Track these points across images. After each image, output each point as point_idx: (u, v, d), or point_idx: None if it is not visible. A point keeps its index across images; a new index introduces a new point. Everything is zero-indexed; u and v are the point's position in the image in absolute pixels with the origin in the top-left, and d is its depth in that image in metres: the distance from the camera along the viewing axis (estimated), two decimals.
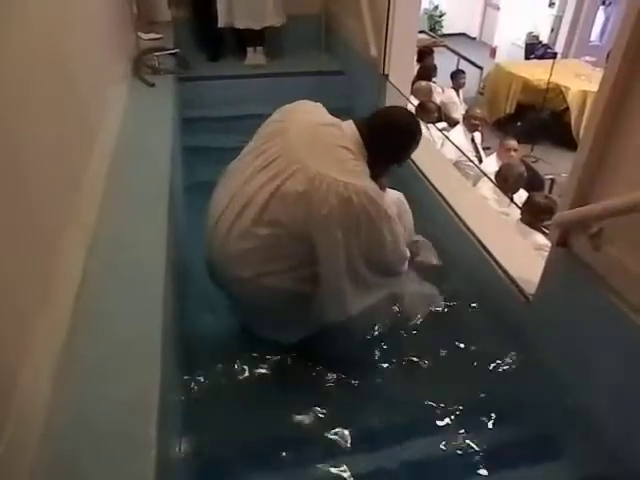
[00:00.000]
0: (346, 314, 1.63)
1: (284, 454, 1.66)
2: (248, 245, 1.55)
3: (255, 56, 4.18)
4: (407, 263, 1.81)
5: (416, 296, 2.16)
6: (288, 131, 1.54)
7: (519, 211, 3.06)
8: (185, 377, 1.73)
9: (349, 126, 1.58)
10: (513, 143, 3.97)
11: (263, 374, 1.91)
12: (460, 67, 6.48)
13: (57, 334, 1.17)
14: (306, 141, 1.51)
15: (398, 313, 2.11)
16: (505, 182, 3.38)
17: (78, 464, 0.98)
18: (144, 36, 3.50)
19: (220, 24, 3.96)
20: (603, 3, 8.46)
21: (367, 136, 1.56)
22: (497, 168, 3.72)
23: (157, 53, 3.24)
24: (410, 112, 1.68)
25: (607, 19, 8.51)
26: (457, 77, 5.73)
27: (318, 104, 1.68)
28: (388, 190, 2.07)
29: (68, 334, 1.20)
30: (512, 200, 3.20)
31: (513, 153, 3.92)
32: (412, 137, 1.65)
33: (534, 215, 2.91)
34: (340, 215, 1.44)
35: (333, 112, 1.83)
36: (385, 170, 1.70)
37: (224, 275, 1.67)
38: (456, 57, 6.84)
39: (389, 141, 1.61)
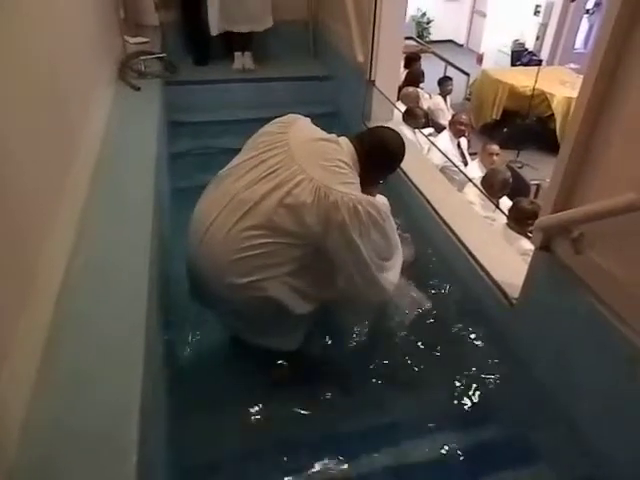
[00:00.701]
0: (387, 292, 1.79)
1: (269, 459, 1.66)
2: (249, 250, 1.54)
3: (243, 60, 4.18)
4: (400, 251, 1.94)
5: (404, 298, 2.18)
6: (289, 143, 1.59)
7: (505, 216, 3.09)
8: (169, 381, 1.72)
9: (345, 142, 1.68)
10: (495, 147, 4.02)
11: (249, 378, 1.91)
12: (447, 73, 6.54)
13: (37, 337, 1.16)
14: (307, 153, 1.58)
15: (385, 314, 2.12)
16: (491, 187, 3.41)
17: (58, 469, 0.97)
18: (131, 40, 3.49)
19: (213, 32, 3.96)
20: (587, 12, 8.61)
21: (362, 154, 1.68)
22: (480, 172, 3.76)
23: (143, 57, 3.23)
24: (400, 135, 1.83)
25: (591, 27, 8.65)
26: (444, 84, 5.77)
27: (308, 119, 1.76)
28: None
29: (48, 337, 1.19)
30: (497, 206, 3.23)
31: (495, 157, 3.96)
32: (401, 160, 1.84)
33: (520, 220, 2.94)
34: (352, 223, 1.53)
35: (320, 117, 1.86)
36: (373, 185, 1.83)
37: (213, 280, 1.63)
38: (443, 63, 6.90)
39: (383, 163, 1.79)
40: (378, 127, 1.87)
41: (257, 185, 1.55)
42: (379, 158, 1.74)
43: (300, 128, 1.67)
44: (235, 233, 1.54)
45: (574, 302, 1.56)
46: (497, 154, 4.00)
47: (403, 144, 1.82)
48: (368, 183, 1.73)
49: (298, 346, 1.84)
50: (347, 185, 1.57)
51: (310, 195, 1.51)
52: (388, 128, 1.84)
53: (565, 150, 1.49)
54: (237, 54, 4.17)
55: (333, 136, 1.70)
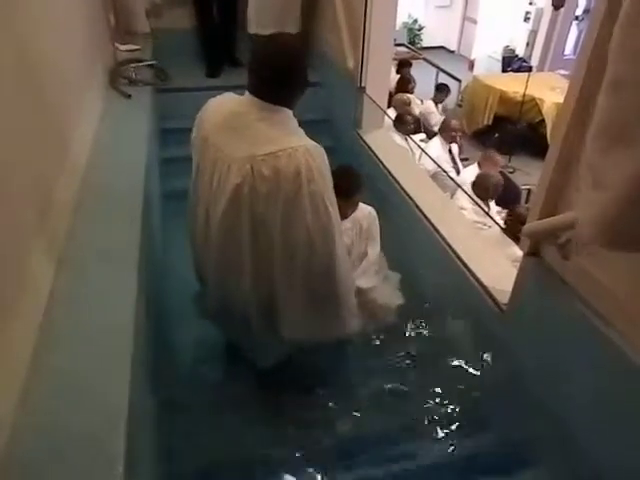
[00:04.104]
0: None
1: (259, 470, 1.65)
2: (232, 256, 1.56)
3: None
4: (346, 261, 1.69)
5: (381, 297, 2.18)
6: (207, 139, 1.52)
7: (500, 221, 3.10)
8: (160, 388, 1.71)
9: (247, 97, 1.48)
10: (500, 159, 4.06)
11: (243, 386, 1.90)
12: (439, 80, 6.60)
13: (24, 348, 1.15)
14: (225, 137, 1.48)
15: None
16: (485, 192, 3.43)
17: (44, 477, 0.96)
18: (121, 47, 3.48)
19: (251, 30, 3.98)
20: (576, 18, 8.70)
21: (268, 92, 1.43)
22: None
23: (134, 64, 3.22)
24: (280, 39, 1.52)
25: (580, 33, 8.73)
26: (442, 91, 5.83)
27: (221, 95, 1.60)
28: (360, 205, 2.12)
29: (36, 349, 1.17)
30: (487, 213, 3.24)
31: (497, 167, 4.00)
32: (299, 58, 1.50)
33: (516, 226, 2.94)
34: (274, 189, 1.40)
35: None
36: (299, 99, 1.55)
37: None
38: (435, 70, 6.95)
39: (288, 80, 1.46)
40: (256, 52, 1.51)
41: (212, 198, 1.51)
42: (281, 84, 1.44)
43: (210, 117, 1.56)
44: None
45: (562, 307, 1.56)
46: (501, 165, 4.05)
47: (292, 47, 1.48)
48: (294, 105, 1.51)
49: (275, 361, 1.80)
50: (267, 144, 1.39)
51: (237, 177, 1.41)
52: (267, 44, 1.51)
53: (551, 156, 1.50)
54: None
55: (238, 101, 1.52)
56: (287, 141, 1.41)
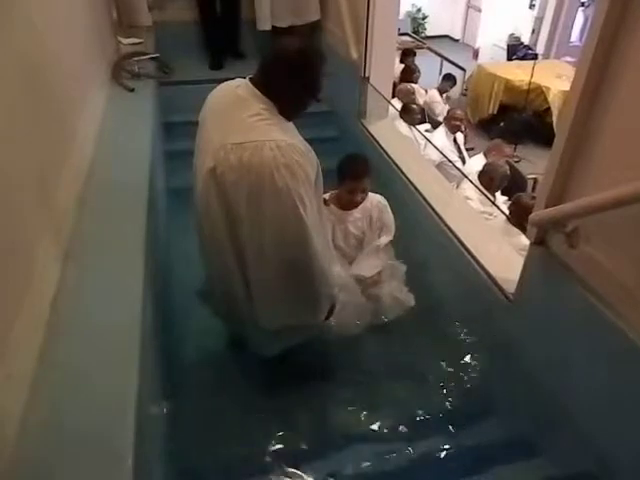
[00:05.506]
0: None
1: (263, 465, 1.66)
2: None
3: None
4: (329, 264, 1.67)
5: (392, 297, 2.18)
6: (204, 123, 1.55)
7: (506, 210, 3.09)
8: (168, 383, 1.72)
9: (245, 84, 1.50)
10: (509, 151, 4.02)
11: (249, 381, 1.91)
12: (443, 69, 6.53)
13: (32, 344, 1.15)
14: (216, 122, 1.51)
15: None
16: (491, 182, 3.41)
17: (54, 470, 0.97)
18: (124, 41, 3.48)
19: (261, 27, 3.92)
20: (582, 5, 8.59)
21: (263, 84, 1.47)
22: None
23: (137, 58, 3.21)
24: (300, 40, 1.54)
25: (586, 20, 8.62)
26: (448, 81, 5.78)
27: (233, 80, 1.58)
28: (369, 194, 2.10)
29: (43, 343, 1.18)
30: (494, 202, 3.22)
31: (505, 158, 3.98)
32: (306, 63, 1.49)
33: (521, 215, 2.92)
34: (239, 179, 1.40)
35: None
36: (300, 109, 1.56)
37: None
38: (439, 59, 6.89)
39: (284, 76, 1.46)
40: (274, 45, 1.56)
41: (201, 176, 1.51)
42: (277, 76, 1.45)
43: (213, 100, 1.58)
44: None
45: (569, 296, 1.56)
46: (508, 156, 4.02)
47: (305, 47, 1.49)
48: (291, 112, 1.52)
49: (277, 352, 1.79)
50: (248, 132, 1.40)
51: (211, 161, 1.42)
52: (285, 39, 1.55)
53: (558, 145, 1.49)
54: None
55: (235, 86, 1.52)
56: (257, 134, 1.40)
